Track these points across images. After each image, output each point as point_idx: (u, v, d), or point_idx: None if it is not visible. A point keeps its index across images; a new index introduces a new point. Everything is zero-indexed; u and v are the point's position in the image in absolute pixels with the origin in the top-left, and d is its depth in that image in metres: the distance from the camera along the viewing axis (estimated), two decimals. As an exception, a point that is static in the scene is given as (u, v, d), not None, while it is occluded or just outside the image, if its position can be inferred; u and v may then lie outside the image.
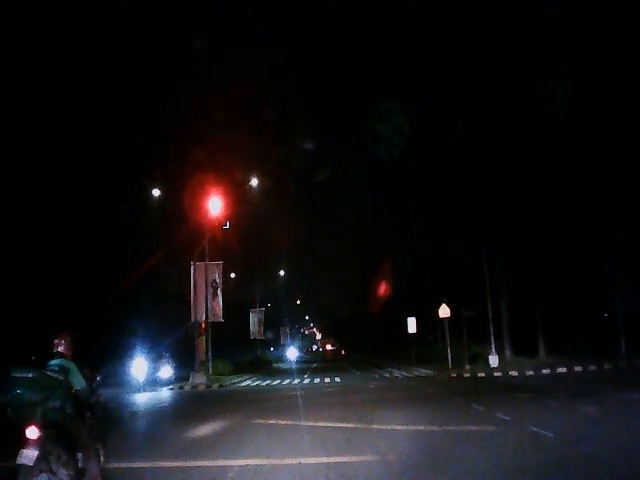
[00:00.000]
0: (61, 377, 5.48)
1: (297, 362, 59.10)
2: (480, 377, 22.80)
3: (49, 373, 5.49)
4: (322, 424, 10.98)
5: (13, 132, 26.59)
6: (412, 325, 33.21)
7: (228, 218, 27.86)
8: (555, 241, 26.97)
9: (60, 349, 5.76)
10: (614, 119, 25.23)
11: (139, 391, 23.03)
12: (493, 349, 25.90)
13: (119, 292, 29.37)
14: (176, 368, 27.31)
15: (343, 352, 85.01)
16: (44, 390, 5.34)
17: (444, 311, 26.87)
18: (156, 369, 26.22)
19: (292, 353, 66.53)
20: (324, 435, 9.81)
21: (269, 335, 57.79)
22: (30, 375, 5.38)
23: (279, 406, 15.14)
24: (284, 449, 8.67)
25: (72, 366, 5.63)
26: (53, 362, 5.61)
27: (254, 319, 47.48)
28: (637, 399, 12.59)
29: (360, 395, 17.53)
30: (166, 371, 26.36)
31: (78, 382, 5.65)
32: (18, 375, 5.40)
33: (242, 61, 36.20)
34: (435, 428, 9.91)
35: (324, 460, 7.63)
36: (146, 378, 25.08)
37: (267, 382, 26.49)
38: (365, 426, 10.55)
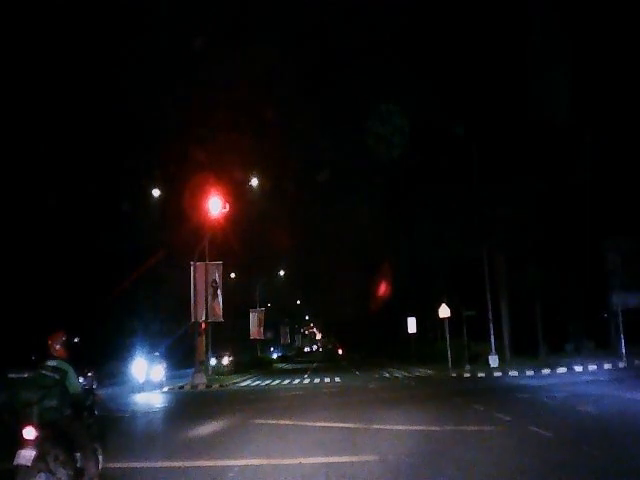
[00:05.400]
0: (57, 376, 5.47)
1: (297, 362, 59.16)
2: (480, 377, 22.78)
3: (44, 372, 5.48)
4: (322, 424, 10.97)
5: (13, 132, 26.59)
6: (412, 325, 33.22)
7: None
8: (555, 241, 26.95)
9: (56, 346, 5.75)
10: (614, 119, 25.22)
11: (139, 391, 23.01)
12: (493, 349, 25.86)
13: (119, 292, 29.37)
14: (167, 369, 26.57)
15: (343, 352, 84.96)
16: (40, 389, 5.33)
17: (444, 311, 26.83)
18: (150, 370, 25.60)
19: (292, 353, 66.54)
20: (324, 435, 9.79)
21: (269, 335, 57.81)
22: (26, 375, 5.37)
23: (279, 406, 15.12)
24: (284, 449, 8.65)
25: (68, 367, 5.62)
26: (50, 362, 5.60)
27: (254, 319, 47.46)
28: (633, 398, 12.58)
29: (360, 395, 17.51)
30: (157, 372, 24.93)
31: (74, 383, 5.64)
32: (14, 376, 5.40)
33: (242, 61, 36.17)
34: (435, 428, 9.89)
35: (324, 460, 7.61)
36: (146, 378, 25.02)
37: (267, 382, 26.47)
38: (365, 426, 10.52)
